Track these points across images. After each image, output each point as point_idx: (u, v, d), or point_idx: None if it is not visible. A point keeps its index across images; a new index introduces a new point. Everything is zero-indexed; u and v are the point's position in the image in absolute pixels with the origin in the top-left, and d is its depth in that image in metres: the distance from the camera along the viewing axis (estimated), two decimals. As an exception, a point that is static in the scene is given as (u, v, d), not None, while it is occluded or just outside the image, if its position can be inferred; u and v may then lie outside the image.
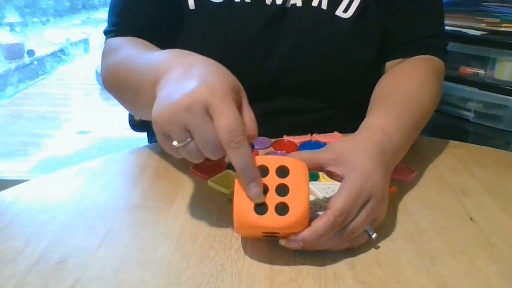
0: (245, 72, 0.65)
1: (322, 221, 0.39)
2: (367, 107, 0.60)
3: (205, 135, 0.37)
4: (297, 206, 0.38)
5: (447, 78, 0.78)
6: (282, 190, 0.38)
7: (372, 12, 0.66)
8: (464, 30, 1.20)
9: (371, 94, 0.63)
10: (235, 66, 0.60)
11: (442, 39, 0.71)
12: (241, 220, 0.38)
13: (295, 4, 0.65)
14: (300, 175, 0.39)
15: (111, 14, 0.68)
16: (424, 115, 0.57)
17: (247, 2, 0.65)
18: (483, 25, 1.18)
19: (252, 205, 0.38)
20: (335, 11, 0.65)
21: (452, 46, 1.24)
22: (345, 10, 0.65)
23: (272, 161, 0.40)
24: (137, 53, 0.56)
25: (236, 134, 0.36)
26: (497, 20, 1.17)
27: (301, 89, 0.68)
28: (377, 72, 0.70)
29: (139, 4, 0.66)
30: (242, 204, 0.38)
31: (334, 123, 0.70)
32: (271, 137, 0.66)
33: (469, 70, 1.21)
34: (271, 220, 0.37)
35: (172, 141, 0.39)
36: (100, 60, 0.66)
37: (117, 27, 0.67)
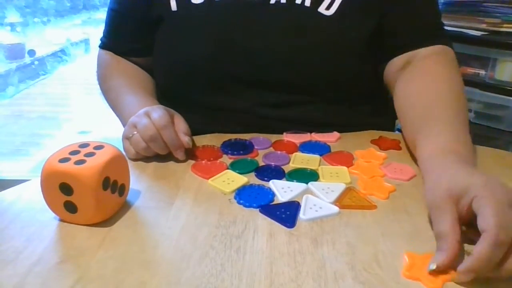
0: (229, 68, 0.68)
1: (482, 244, 0.36)
2: (357, 100, 0.71)
3: (143, 124, 0.56)
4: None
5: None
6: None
7: (357, 10, 0.66)
8: (464, 30, 1.20)
9: (359, 87, 0.70)
10: (220, 63, 0.69)
11: (442, 25, 0.72)
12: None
13: (279, 1, 0.65)
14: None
15: (104, 26, 0.79)
16: (464, 111, 0.60)
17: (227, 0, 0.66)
18: (483, 26, 1.19)
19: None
20: (317, 8, 0.65)
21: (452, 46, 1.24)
22: (328, 8, 0.65)
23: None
24: (119, 92, 0.72)
25: (163, 120, 0.56)
26: (498, 20, 1.17)
27: (287, 84, 0.68)
28: (368, 67, 0.71)
29: (119, 29, 0.77)
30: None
31: (323, 115, 0.71)
32: (263, 123, 0.69)
33: (470, 70, 1.21)
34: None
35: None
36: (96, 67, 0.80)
37: (105, 46, 0.79)
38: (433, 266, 0.38)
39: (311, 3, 0.65)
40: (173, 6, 0.67)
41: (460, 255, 0.39)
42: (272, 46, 0.66)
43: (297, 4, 0.65)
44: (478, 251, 0.36)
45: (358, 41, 0.67)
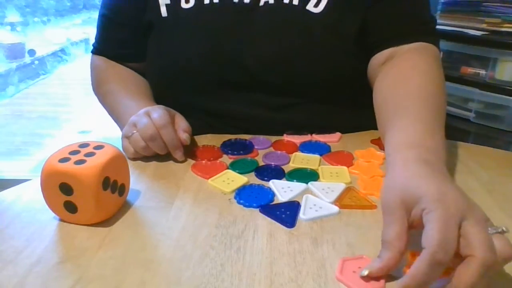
0: (220, 72, 0.68)
1: (419, 263, 0.34)
2: (347, 99, 0.69)
3: (143, 123, 0.57)
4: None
5: (448, 78, 0.77)
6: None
7: (345, 6, 0.65)
8: (465, 30, 1.20)
9: (349, 86, 0.68)
10: (210, 67, 0.69)
11: (430, 23, 0.69)
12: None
13: (267, 1, 0.65)
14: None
15: (96, 32, 0.79)
16: (441, 105, 0.56)
17: (216, 3, 0.66)
18: (484, 25, 1.18)
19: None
20: (306, 6, 0.65)
21: (453, 46, 1.25)
22: (316, 5, 0.65)
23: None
24: (117, 96, 0.72)
25: (163, 119, 0.57)
26: (498, 20, 1.17)
27: (279, 86, 0.68)
28: (357, 66, 0.69)
29: (110, 35, 0.77)
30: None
31: (316, 116, 0.70)
32: (260, 124, 0.69)
33: (470, 70, 1.21)
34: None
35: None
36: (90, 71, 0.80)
37: (98, 51, 0.79)
38: (365, 272, 0.37)
39: (299, 1, 0.64)
40: (163, 12, 0.67)
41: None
42: (263, 48, 0.65)
43: (285, 3, 0.65)
44: (414, 269, 0.34)
45: (347, 37, 0.66)
